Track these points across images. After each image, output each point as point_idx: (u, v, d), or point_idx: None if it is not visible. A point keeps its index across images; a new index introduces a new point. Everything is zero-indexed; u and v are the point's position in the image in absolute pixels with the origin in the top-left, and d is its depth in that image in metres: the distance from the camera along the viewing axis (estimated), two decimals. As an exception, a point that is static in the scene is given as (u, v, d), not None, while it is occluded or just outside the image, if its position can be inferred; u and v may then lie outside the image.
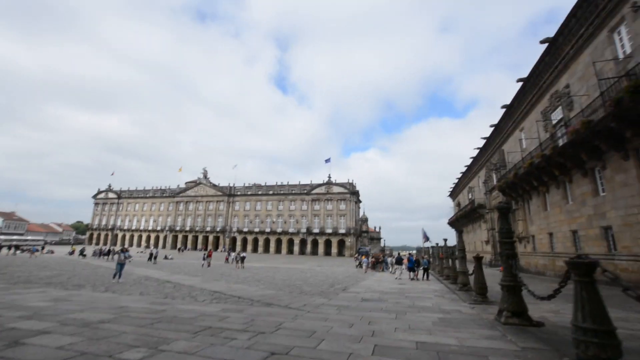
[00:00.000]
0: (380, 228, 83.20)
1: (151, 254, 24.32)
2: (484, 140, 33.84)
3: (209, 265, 22.22)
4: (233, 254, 31.90)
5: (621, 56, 13.16)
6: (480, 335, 5.32)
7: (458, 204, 55.36)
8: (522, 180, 21.93)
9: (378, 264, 27.45)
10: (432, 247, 41.58)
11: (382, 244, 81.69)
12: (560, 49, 16.87)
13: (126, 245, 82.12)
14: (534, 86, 20.78)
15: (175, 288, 11.16)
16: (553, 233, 20.04)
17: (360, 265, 26.68)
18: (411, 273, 18.74)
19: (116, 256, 15.50)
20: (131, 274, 16.38)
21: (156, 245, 79.14)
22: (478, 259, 9.48)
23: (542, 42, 17.08)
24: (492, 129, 29.72)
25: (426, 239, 48.88)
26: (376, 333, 5.25)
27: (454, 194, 60.28)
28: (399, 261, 20.91)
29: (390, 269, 25.90)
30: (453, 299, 10.11)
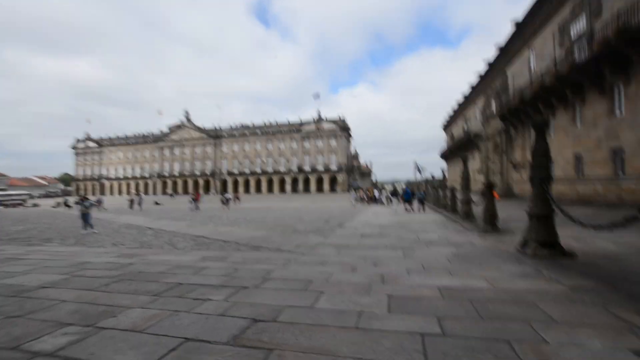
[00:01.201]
0: (371, 163, 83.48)
1: (132, 200, 23.09)
2: (484, 67, 31.23)
3: (197, 209, 21.39)
4: (228, 195, 31.22)
5: None
6: (511, 272, 4.39)
7: (452, 136, 54.37)
8: (528, 104, 20.41)
9: (374, 199, 27.08)
10: (425, 179, 41.64)
11: (373, 179, 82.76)
12: None
13: (114, 194, 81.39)
14: (552, -9, 17.91)
15: (155, 235, 10.15)
16: (554, 159, 19.30)
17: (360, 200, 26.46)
18: (407, 205, 18.26)
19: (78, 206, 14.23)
20: (112, 223, 15.37)
21: (146, 192, 78.50)
22: (489, 187, 8.49)
23: None
24: (497, 51, 26.99)
25: (419, 171, 48.99)
26: (386, 278, 4.27)
27: (448, 126, 58.84)
28: (394, 193, 20.38)
29: (385, 202, 25.72)
30: (458, 229, 9.39)
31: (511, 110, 22.73)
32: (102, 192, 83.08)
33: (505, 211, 12.85)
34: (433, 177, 27.99)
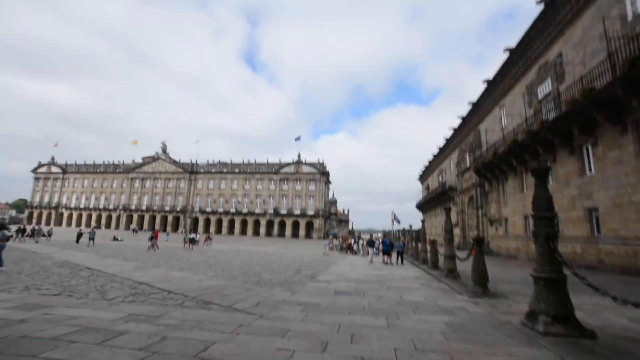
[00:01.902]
0: (348, 211, 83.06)
1: (80, 235, 20.37)
2: (457, 123, 32.96)
3: (154, 248, 19.15)
4: (197, 235, 28.80)
5: (630, 17, 11.77)
6: (529, 358, 3.36)
7: (427, 187, 55.57)
8: (501, 159, 20.97)
9: (350, 248, 25.79)
10: (402, 230, 41.13)
11: (350, 227, 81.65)
12: (557, 11, 15.38)
13: (72, 225, 74.61)
14: (520, 57, 19.44)
15: (89, 278, 8.36)
16: (528, 215, 19.36)
17: (336, 248, 24.93)
18: (385, 257, 17.19)
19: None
20: (48, 259, 13.10)
21: (108, 225, 72.73)
22: (479, 241, 7.72)
23: (538, 2, 15.43)
24: (470, 107, 28.65)
25: (396, 221, 48.71)
26: (368, 364, 3.10)
27: (423, 177, 60.48)
28: (372, 244, 19.36)
29: (361, 252, 24.50)
30: (444, 289, 8.37)
31: (485, 164, 23.34)
32: (59, 223, 76.05)
33: (488, 270, 12.08)
34: (411, 227, 27.43)
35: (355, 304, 6.13)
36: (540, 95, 17.97)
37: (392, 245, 18.25)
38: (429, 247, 15.98)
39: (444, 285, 9.05)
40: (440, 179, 45.71)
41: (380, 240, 19.14)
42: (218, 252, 20.61)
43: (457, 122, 34.19)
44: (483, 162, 23.68)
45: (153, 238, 19.25)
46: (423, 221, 18.27)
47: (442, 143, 42.29)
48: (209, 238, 30.99)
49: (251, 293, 6.90)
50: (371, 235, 22.61)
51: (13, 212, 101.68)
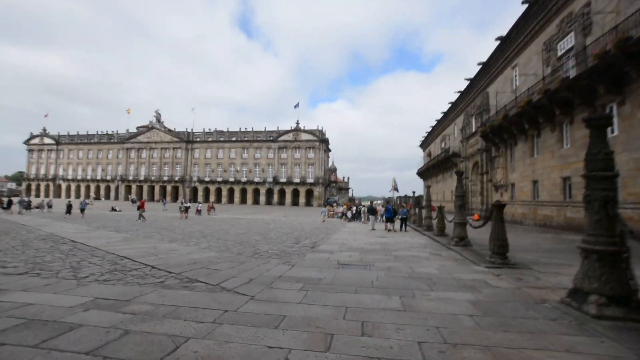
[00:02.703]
0: (348, 178, 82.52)
1: (70, 206, 19.59)
2: (463, 86, 31.08)
3: (141, 219, 18.48)
4: (200, 205, 28.27)
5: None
6: (594, 355, 2.59)
7: (429, 154, 54.47)
8: (512, 122, 19.74)
9: (356, 214, 25.20)
10: (404, 196, 40.67)
11: (350, 194, 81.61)
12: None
13: (71, 197, 74.36)
14: (540, 9, 17.51)
15: (67, 252, 7.64)
16: (539, 180, 18.56)
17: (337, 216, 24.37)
18: (388, 224, 16.57)
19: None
20: (34, 232, 12.41)
21: (107, 196, 72.48)
22: (499, 207, 6.87)
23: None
24: (478, 68, 26.77)
25: (396, 189, 48.18)
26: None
27: (425, 143, 59.14)
28: (372, 211, 18.71)
29: (362, 219, 24.02)
30: (456, 259, 7.68)
31: (494, 128, 22.12)
32: (58, 194, 75.74)
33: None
34: (414, 193, 26.79)
35: (361, 278, 5.39)
36: (560, 52, 16.34)
37: (395, 212, 17.60)
38: (434, 214, 15.35)
39: (455, 254, 8.37)
40: (443, 145, 44.47)
41: (383, 208, 18.44)
42: (215, 221, 20.07)
43: (462, 85, 32.37)
44: (491, 125, 22.43)
45: (140, 208, 18.54)
46: (428, 187, 17.49)
47: (445, 109, 40.57)
48: (212, 207, 30.48)
49: (244, 267, 6.17)
50: (371, 203, 21.93)
51: (13, 185, 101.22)
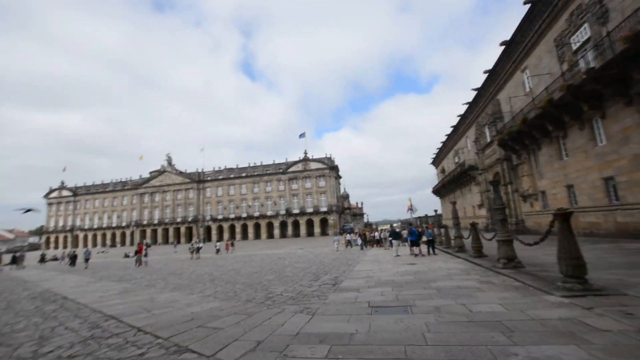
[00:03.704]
0: (362, 204, 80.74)
1: (74, 257, 18.60)
2: (470, 97, 30.23)
3: (138, 263, 17.49)
4: (219, 244, 27.41)
5: None
6: None
7: (442, 171, 52.79)
8: (532, 126, 18.41)
9: (376, 241, 23.61)
10: (424, 216, 38.70)
11: (365, 220, 79.28)
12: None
13: (88, 246, 74.64)
14: (545, 6, 16.84)
15: (49, 315, 6.52)
16: (574, 184, 16.83)
17: (359, 246, 22.78)
18: (414, 248, 14.99)
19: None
20: (28, 289, 11.43)
21: (123, 243, 72.45)
22: (564, 216, 5.50)
23: None
24: (484, 77, 25.98)
25: (411, 210, 46.18)
26: None
27: (437, 160, 57.65)
28: (395, 235, 17.15)
29: (385, 245, 22.32)
30: (516, 287, 6.17)
31: (512, 134, 20.77)
32: (75, 245, 76.17)
33: (541, 251, 9.81)
34: (436, 212, 25.11)
35: (406, 329, 4.03)
36: (575, 45, 15.37)
37: (420, 234, 16.03)
38: (465, 233, 13.76)
39: (510, 280, 6.84)
40: (456, 159, 42.95)
41: (406, 231, 16.85)
42: (228, 261, 18.79)
43: (464, 101, 31.66)
44: (509, 132, 21.09)
45: (137, 253, 17.57)
46: (453, 203, 15.95)
47: (452, 124, 39.60)
48: (231, 244, 29.46)
49: (252, 322, 4.87)
50: (392, 226, 20.35)
51: (32, 239, 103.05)
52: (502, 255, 8.36)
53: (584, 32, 14.58)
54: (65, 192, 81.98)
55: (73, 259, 18.39)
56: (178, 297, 7.58)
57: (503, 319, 4.18)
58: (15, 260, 21.24)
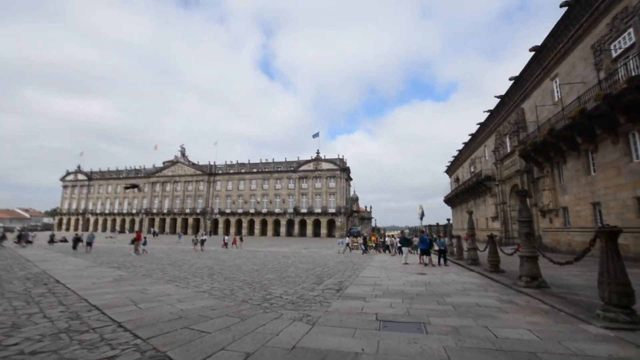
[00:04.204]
0: (371, 208, 79.64)
1: (77, 239, 18.52)
2: (492, 105, 29.09)
3: (137, 252, 17.31)
4: (227, 237, 27.01)
5: None
6: None
7: (456, 180, 51.39)
8: (559, 137, 17.36)
9: (382, 247, 22.91)
10: (435, 225, 37.64)
11: (373, 224, 78.16)
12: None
13: (99, 230, 76.02)
14: (584, 10, 15.81)
15: (33, 300, 6.14)
16: (601, 202, 15.74)
17: (362, 250, 22.02)
18: (424, 257, 14.23)
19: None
20: (26, 269, 11.22)
21: (132, 229, 73.41)
22: (611, 235, 4.77)
23: None
24: (511, 83, 24.88)
25: (421, 217, 44.97)
26: None
27: (451, 169, 56.26)
28: (406, 242, 16.38)
29: (392, 251, 21.56)
30: (544, 310, 5.43)
31: (536, 145, 19.70)
32: (86, 228, 77.75)
33: (565, 270, 8.99)
34: (449, 221, 24.15)
35: (421, 354, 3.40)
36: (615, 52, 14.33)
37: (431, 243, 15.25)
38: (465, 244, 12.92)
39: (534, 300, 6.10)
40: (472, 169, 41.65)
41: (419, 238, 16.03)
42: (231, 255, 18.40)
43: (481, 111, 30.50)
44: (533, 142, 20.01)
45: (135, 240, 17.32)
46: (470, 213, 15.09)
47: (468, 133, 38.41)
48: (240, 239, 29.13)
49: (244, 327, 4.33)
50: (402, 232, 19.60)
51: (47, 220, 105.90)
52: (525, 273, 7.60)
53: (628, 38, 13.56)
54: (80, 176, 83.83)
55: (76, 242, 18.28)
56: (171, 291, 7.11)
57: (537, 350, 3.50)
58: (19, 239, 21.40)
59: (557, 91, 19.34)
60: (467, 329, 4.29)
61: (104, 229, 76.32)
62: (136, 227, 73.76)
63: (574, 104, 16.12)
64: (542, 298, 6.17)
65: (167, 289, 7.33)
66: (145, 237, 19.08)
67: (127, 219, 76.14)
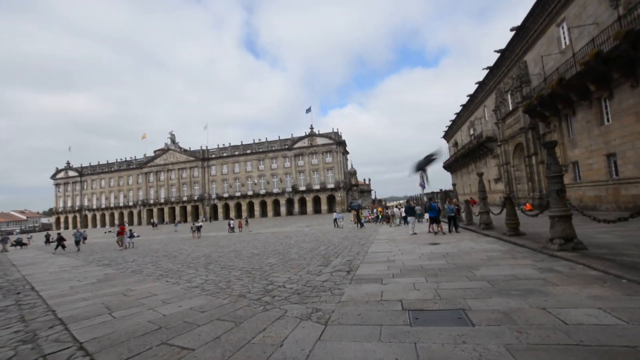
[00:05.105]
0: (369, 180, 78.98)
1: (59, 240, 16.87)
2: (491, 62, 27.38)
3: (121, 246, 16.47)
4: (232, 222, 26.08)
5: None
6: None
7: (455, 144, 50.32)
8: (570, 87, 16.12)
9: (385, 218, 22.21)
10: (440, 191, 36.99)
11: (373, 196, 77.92)
12: None
13: (97, 226, 75.36)
14: (596, -61, 14.06)
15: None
16: (617, 153, 14.81)
17: (357, 223, 21.14)
18: (434, 225, 13.44)
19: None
20: (9, 275, 10.29)
21: (131, 222, 72.71)
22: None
23: None
24: (512, 33, 23.14)
25: (423, 185, 44.12)
26: None
27: (449, 134, 55.04)
28: (411, 211, 15.53)
29: (397, 222, 20.85)
30: (599, 277, 4.55)
31: (543, 98, 18.49)
32: (85, 225, 77.00)
33: (592, 229, 8.17)
34: (454, 185, 23.33)
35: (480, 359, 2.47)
36: (632, -17, 12.80)
37: (439, 210, 14.43)
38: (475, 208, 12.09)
39: (578, 266, 5.23)
40: (471, 132, 40.45)
41: (427, 206, 15.18)
42: (231, 240, 17.61)
43: (480, 71, 28.78)
44: (539, 96, 18.77)
45: (119, 234, 16.39)
46: (480, 175, 14.18)
47: (463, 97, 36.76)
48: (245, 223, 28.35)
49: (238, 336, 3.39)
50: (408, 201, 18.83)
51: (45, 220, 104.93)
52: (557, 235, 6.71)
53: (647, -34, 12.00)
54: (71, 173, 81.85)
55: (59, 241, 16.83)
56: (158, 289, 6.19)
57: (636, 341, 2.59)
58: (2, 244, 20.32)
59: (565, 37, 17.83)
60: (521, 314, 3.38)
61: (103, 225, 75.64)
62: (135, 220, 73.05)
63: (586, 49, 14.76)
64: (588, 262, 5.30)
65: (154, 287, 6.41)
66: (131, 229, 18.14)
67: (126, 212, 75.24)
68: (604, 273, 4.71)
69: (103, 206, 77.31)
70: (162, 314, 4.40)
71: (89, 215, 79.21)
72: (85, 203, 79.42)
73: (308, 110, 62.33)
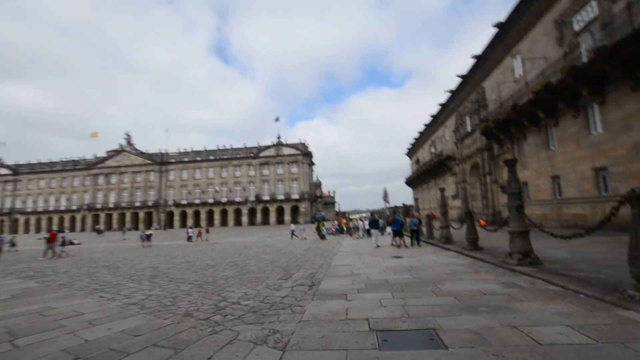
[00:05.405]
0: (334, 192, 79.55)
1: None
2: (453, 86, 29.24)
3: (52, 255, 14.70)
4: (191, 230, 24.24)
5: None
6: None
7: (417, 161, 52.54)
8: (522, 113, 17.45)
9: (349, 230, 22.05)
10: (403, 206, 37.93)
11: (336, 209, 78.36)
12: None
13: (31, 232, 67.06)
14: (546, -18, 15.60)
15: None
16: (560, 175, 16.13)
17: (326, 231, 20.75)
18: (397, 239, 13.48)
19: None
20: None
21: (73, 228, 65.77)
22: (648, 201, 3.89)
23: None
24: (473, 61, 24.85)
25: (386, 200, 45.25)
26: None
27: (412, 151, 57.40)
28: (375, 224, 15.52)
29: (360, 234, 20.82)
30: (559, 293, 4.57)
31: (499, 122, 19.86)
32: (15, 230, 68.09)
33: (542, 244, 8.57)
34: (417, 200, 23.96)
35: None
36: (577, 27, 14.26)
37: (402, 224, 14.55)
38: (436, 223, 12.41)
39: (537, 281, 5.28)
40: (432, 150, 42.51)
41: (390, 218, 15.24)
42: (186, 250, 16.29)
43: (442, 94, 30.64)
44: (495, 120, 20.14)
45: (49, 242, 14.61)
46: (442, 189, 14.62)
47: (425, 118, 38.84)
48: (206, 231, 26.50)
49: (176, 367, 2.78)
50: (372, 214, 18.90)
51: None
52: (517, 249, 6.87)
53: (590, 11, 13.45)
54: (3, 170, 72.67)
55: None
56: (87, 307, 5.25)
57: (612, 365, 2.44)
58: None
59: (520, 68, 19.40)
60: (493, 333, 3.17)
61: (38, 230, 67.44)
62: (77, 225, 66.19)
63: (535, 80, 16.14)
64: (546, 277, 5.38)
65: (83, 304, 5.45)
66: (63, 237, 16.13)
67: (66, 217, 68.06)
68: (563, 288, 4.76)
69: (40, 209, 69.22)
70: (84, 340, 3.61)
71: (21, 219, 70.39)
72: (19, 205, 70.61)
73: (277, 119, 62.00)
